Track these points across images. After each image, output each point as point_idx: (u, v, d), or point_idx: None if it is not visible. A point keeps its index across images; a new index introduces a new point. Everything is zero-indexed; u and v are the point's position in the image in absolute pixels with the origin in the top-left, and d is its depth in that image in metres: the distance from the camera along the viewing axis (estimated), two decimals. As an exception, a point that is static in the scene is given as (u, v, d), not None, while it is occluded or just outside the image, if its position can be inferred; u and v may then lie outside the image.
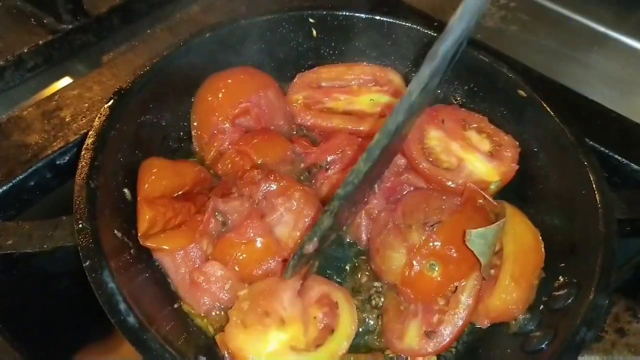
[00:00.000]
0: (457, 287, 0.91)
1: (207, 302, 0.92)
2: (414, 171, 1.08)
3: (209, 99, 1.13)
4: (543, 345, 0.84)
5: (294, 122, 1.20)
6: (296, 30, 1.23)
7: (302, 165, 1.12)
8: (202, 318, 0.94)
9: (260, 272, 0.94)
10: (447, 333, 0.89)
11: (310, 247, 0.78)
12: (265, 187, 0.99)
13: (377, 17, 1.22)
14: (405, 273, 0.92)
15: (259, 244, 0.94)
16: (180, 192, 1.01)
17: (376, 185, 1.04)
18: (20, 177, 1.07)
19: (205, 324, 0.94)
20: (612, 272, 0.84)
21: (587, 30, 1.61)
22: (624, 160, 1.17)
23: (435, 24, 1.21)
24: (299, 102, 1.20)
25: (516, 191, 1.09)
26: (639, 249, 1.08)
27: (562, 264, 0.94)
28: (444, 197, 1.00)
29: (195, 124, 1.15)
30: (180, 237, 0.94)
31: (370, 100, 1.20)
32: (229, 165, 1.09)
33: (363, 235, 1.04)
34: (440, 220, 0.96)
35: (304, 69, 1.25)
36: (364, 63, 1.25)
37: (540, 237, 0.98)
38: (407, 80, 1.23)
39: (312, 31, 1.24)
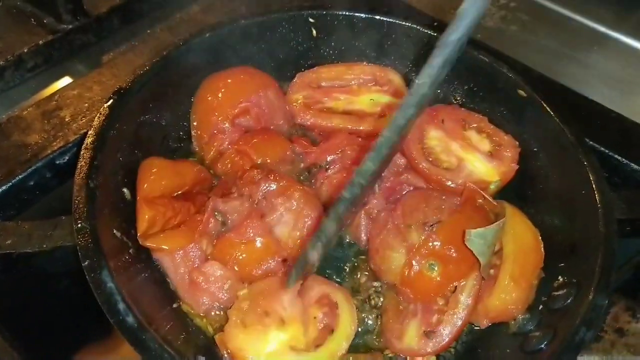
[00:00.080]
0: (456, 287, 0.91)
1: (207, 302, 0.92)
2: (413, 171, 1.08)
3: (209, 98, 1.13)
4: (542, 345, 0.83)
5: (293, 121, 1.20)
6: (296, 30, 1.23)
7: (302, 165, 1.12)
8: (202, 318, 0.94)
9: (260, 272, 0.94)
10: (446, 333, 0.89)
11: (314, 254, 0.73)
12: (265, 187, 0.99)
13: (377, 17, 1.22)
14: (404, 273, 0.92)
15: (258, 244, 0.94)
16: (179, 192, 1.01)
17: (376, 185, 1.04)
18: (20, 177, 1.07)
19: (204, 324, 0.94)
20: (611, 272, 0.84)
21: (587, 30, 1.61)
22: (624, 160, 1.17)
23: (435, 24, 1.21)
24: (299, 101, 1.20)
25: (516, 191, 1.09)
26: (638, 249, 1.08)
27: (562, 264, 0.94)
28: (444, 197, 1.00)
29: (195, 123, 1.15)
30: (180, 237, 0.94)
31: (370, 100, 1.20)
32: (229, 165, 1.09)
33: (362, 235, 1.04)
34: (439, 220, 0.96)
35: (304, 68, 1.25)
36: (364, 63, 1.25)
37: (540, 237, 0.98)
38: (407, 80, 1.23)
39: (312, 31, 1.24)
